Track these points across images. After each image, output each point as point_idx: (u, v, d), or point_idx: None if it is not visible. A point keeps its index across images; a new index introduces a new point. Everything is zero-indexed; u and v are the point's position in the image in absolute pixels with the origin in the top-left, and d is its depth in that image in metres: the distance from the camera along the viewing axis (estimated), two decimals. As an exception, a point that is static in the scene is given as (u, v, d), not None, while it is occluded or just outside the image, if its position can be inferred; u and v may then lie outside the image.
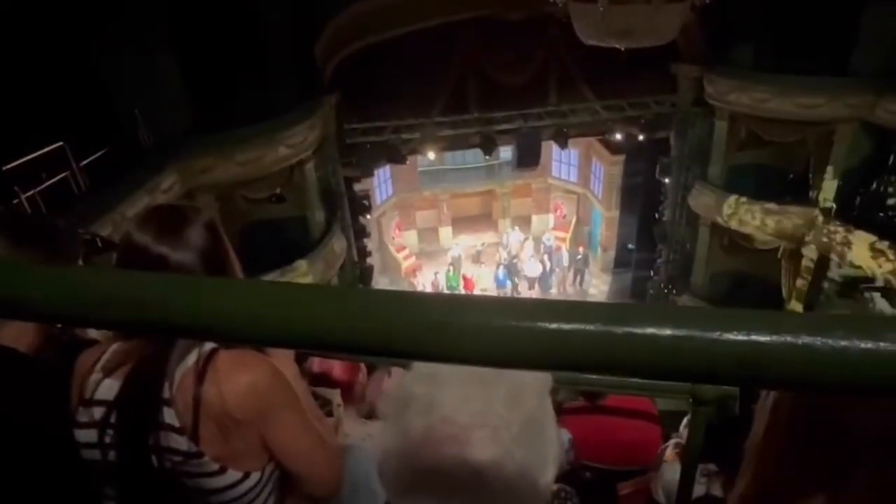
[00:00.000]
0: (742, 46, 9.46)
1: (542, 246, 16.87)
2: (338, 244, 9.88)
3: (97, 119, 6.66)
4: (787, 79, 8.88)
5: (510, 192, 18.38)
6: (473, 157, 16.66)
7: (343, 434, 1.68)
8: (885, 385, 0.35)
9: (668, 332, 0.36)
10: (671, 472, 2.21)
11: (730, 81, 9.66)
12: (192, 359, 1.12)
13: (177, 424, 1.09)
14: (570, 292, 16.19)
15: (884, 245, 8.34)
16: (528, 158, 11.88)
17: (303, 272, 8.77)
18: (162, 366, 1.11)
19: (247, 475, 1.17)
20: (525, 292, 15.69)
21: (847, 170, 9.15)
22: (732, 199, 10.32)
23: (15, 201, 5.17)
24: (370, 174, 12.21)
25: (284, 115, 8.28)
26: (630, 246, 14.94)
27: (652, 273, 13.47)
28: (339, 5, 8.88)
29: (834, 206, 9.22)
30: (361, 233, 11.77)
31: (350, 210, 11.06)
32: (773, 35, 9.01)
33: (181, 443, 1.10)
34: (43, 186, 5.56)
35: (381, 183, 16.73)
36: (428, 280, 16.16)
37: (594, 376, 2.50)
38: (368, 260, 12.32)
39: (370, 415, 1.94)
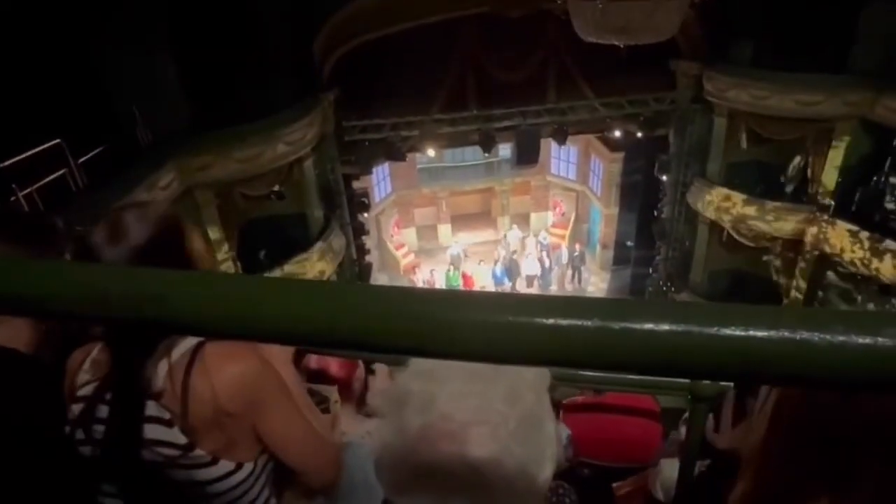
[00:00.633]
0: (741, 44, 9.46)
1: (539, 244, 16.89)
2: (336, 242, 9.88)
3: (95, 116, 6.65)
4: (786, 76, 8.88)
5: (509, 190, 18.38)
6: (472, 154, 16.65)
7: (340, 432, 1.67)
8: (882, 380, 0.35)
9: (665, 327, 0.36)
10: (670, 468, 2.21)
11: (729, 78, 9.65)
12: (179, 351, 1.12)
13: (166, 417, 1.09)
14: (569, 290, 16.20)
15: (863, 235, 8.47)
16: (528, 156, 11.88)
17: (314, 261, 8.86)
18: (148, 360, 1.10)
19: (239, 466, 1.17)
20: (524, 290, 15.71)
21: (846, 167, 9.16)
22: (726, 195, 10.36)
23: (12, 198, 5.16)
24: (369, 171, 12.20)
25: (283, 112, 8.26)
26: (629, 243, 14.94)
27: (651, 270, 13.48)
28: (338, 2, 8.86)
29: (833, 203, 9.23)
30: (360, 230, 11.76)
31: (349, 207, 11.05)
32: (773, 32, 9.00)
33: (172, 435, 1.10)
34: (41, 184, 5.55)
35: (380, 180, 16.72)
36: (425, 277, 16.16)
37: (592, 373, 2.50)
38: (367, 257, 12.32)
39: (368, 412, 1.95)
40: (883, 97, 8.40)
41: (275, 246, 8.91)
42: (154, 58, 7.23)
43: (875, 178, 8.80)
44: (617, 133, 12.33)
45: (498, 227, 18.51)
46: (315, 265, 9.11)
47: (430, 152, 12.24)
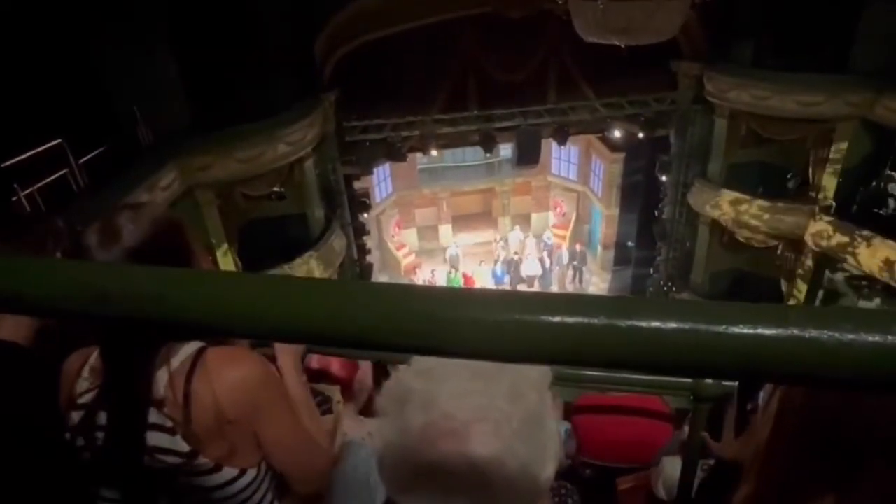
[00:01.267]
0: (742, 44, 9.46)
1: (542, 244, 16.88)
2: (337, 242, 9.89)
3: (96, 116, 6.66)
4: (787, 76, 8.88)
5: (510, 190, 18.37)
6: (473, 154, 16.66)
7: (342, 432, 1.67)
8: (891, 379, 0.34)
9: (673, 325, 0.35)
10: (672, 467, 2.21)
11: (730, 79, 9.65)
12: (180, 357, 1.11)
13: (168, 425, 1.08)
14: (570, 290, 16.19)
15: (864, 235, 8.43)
16: (528, 156, 11.88)
17: (314, 262, 8.89)
18: (148, 366, 1.09)
19: (243, 472, 1.16)
20: (524, 290, 15.71)
21: (847, 167, 9.16)
22: (727, 196, 10.34)
23: (14, 198, 5.17)
24: (370, 172, 12.20)
25: (284, 112, 8.27)
26: (630, 244, 14.94)
27: (652, 271, 13.47)
28: (339, 3, 8.87)
29: (834, 203, 9.23)
30: (361, 230, 11.76)
31: (350, 208, 11.06)
32: (774, 33, 9.01)
33: (174, 443, 1.09)
34: (42, 184, 5.55)
35: (381, 181, 16.72)
36: (426, 278, 16.18)
37: (594, 373, 2.50)
38: (368, 258, 12.33)
39: (369, 411, 1.94)
40: (883, 97, 8.40)
41: (276, 246, 8.92)
42: (155, 58, 7.24)
43: (876, 179, 8.80)
44: (618, 133, 12.32)
45: (499, 228, 18.51)
46: (316, 265, 9.11)
47: (434, 152, 12.23)
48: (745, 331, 0.35)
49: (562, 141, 11.97)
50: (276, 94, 8.16)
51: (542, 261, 16.13)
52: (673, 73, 10.94)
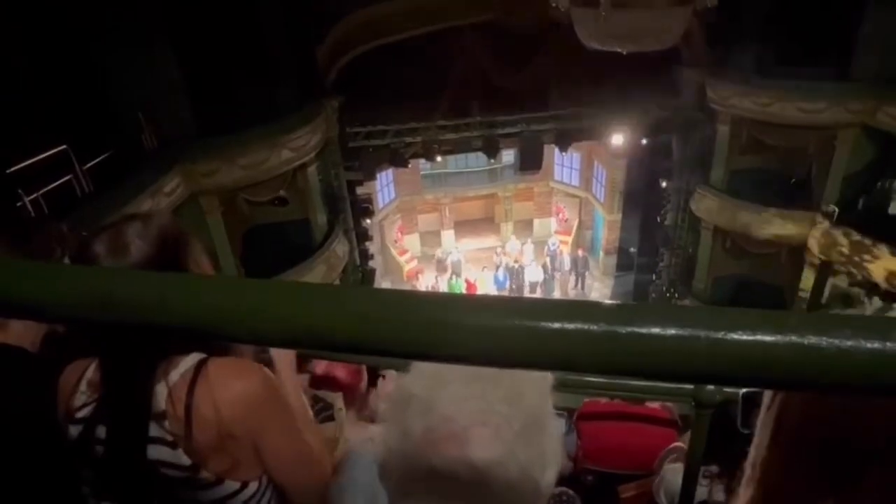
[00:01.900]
0: (744, 51, 9.47)
1: (546, 248, 16.89)
2: (340, 247, 9.89)
3: (101, 122, 6.69)
4: (789, 84, 8.89)
5: (512, 196, 18.38)
6: (475, 160, 16.68)
7: (344, 438, 1.67)
8: (891, 386, 0.34)
9: (672, 331, 0.36)
10: (673, 474, 2.20)
11: (732, 86, 9.66)
12: (181, 369, 1.10)
13: (169, 438, 1.07)
14: (572, 296, 16.17)
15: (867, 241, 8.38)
16: (531, 162, 11.90)
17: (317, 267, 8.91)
18: (149, 379, 1.08)
19: (244, 485, 1.15)
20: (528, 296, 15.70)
21: (849, 174, 9.15)
22: (729, 202, 10.31)
23: (19, 204, 5.19)
24: (372, 177, 12.23)
25: (287, 118, 8.30)
26: (632, 249, 14.92)
27: (654, 277, 13.45)
28: (343, 10, 8.92)
29: (836, 210, 9.22)
30: (364, 236, 11.78)
31: (352, 213, 11.07)
32: (775, 40, 9.03)
33: (175, 456, 1.08)
34: (46, 189, 5.58)
35: (384, 186, 16.74)
36: (429, 283, 16.17)
37: (595, 378, 2.49)
38: (371, 263, 12.33)
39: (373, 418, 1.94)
40: (885, 104, 8.40)
41: (279, 252, 8.93)
42: (159, 63, 7.28)
43: (878, 185, 8.79)
44: (620, 140, 12.34)
45: (501, 233, 18.52)
46: (319, 271, 9.12)
47: (438, 158, 12.24)
48: (745, 337, 0.35)
49: (564, 147, 11.98)
50: (279, 99, 8.20)
51: (544, 267, 16.12)
52: (675, 80, 10.96)
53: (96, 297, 0.47)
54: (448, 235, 18.50)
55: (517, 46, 10.34)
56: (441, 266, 16.25)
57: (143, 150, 7.14)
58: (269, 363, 1.33)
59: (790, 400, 0.64)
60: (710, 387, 1.77)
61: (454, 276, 15.84)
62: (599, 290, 16.40)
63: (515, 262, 16.28)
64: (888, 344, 0.33)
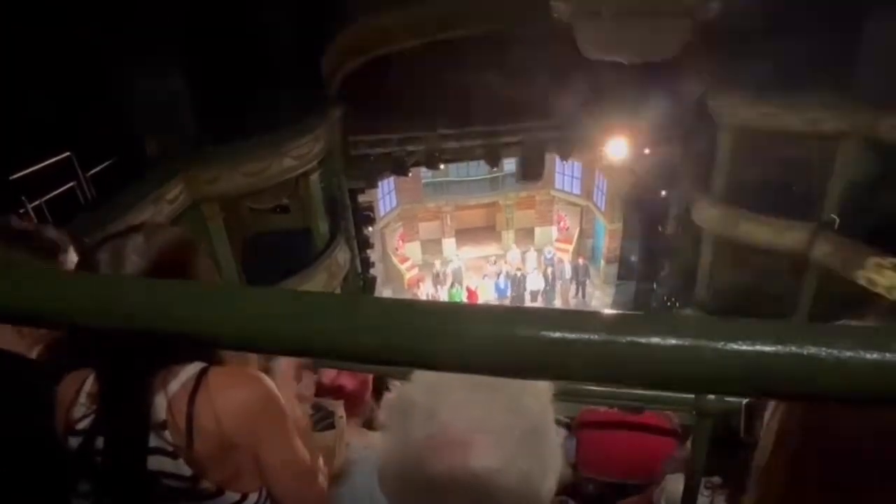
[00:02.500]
0: (746, 62, 9.50)
1: (542, 258, 16.90)
2: (341, 255, 9.90)
3: (104, 129, 6.73)
4: (790, 94, 8.91)
5: (513, 204, 18.42)
6: (477, 168, 16.72)
7: (344, 445, 1.66)
8: (891, 396, 0.34)
9: (672, 341, 0.36)
10: (674, 484, 2.19)
11: (734, 96, 9.69)
12: (181, 379, 1.09)
13: (169, 449, 1.07)
14: (573, 304, 16.17)
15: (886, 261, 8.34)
16: (532, 170, 11.94)
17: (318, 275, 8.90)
18: (148, 389, 1.08)
19: (245, 496, 1.15)
20: (528, 304, 15.69)
21: (850, 184, 9.15)
22: (731, 211, 10.30)
23: (22, 210, 5.21)
24: (374, 185, 12.27)
25: (290, 126, 8.34)
26: (633, 258, 14.92)
27: (655, 285, 13.44)
28: (347, 20, 8.98)
29: (837, 220, 9.21)
30: (365, 244, 11.80)
31: (354, 221, 11.10)
32: (777, 51, 9.05)
33: (176, 466, 1.07)
34: (50, 196, 5.60)
35: (385, 194, 16.79)
36: (429, 291, 16.18)
37: (595, 387, 2.48)
38: (372, 271, 12.36)
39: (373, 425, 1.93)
40: (887, 116, 8.42)
41: (280, 259, 8.94)
42: (163, 72, 7.32)
43: (879, 195, 8.79)
44: (621, 149, 12.37)
45: (502, 242, 18.53)
46: (320, 278, 9.12)
47: (440, 166, 12.29)
48: (744, 347, 0.35)
49: (565, 156, 12.02)
50: (282, 108, 8.24)
51: (545, 275, 16.13)
52: (676, 90, 10.99)
53: (96, 304, 0.47)
54: (449, 243, 18.52)
55: (519, 56, 10.38)
56: (438, 279, 16.23)
57: (146, 158, 7.17)
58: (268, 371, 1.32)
59: (793, 409, 0.64)
60: (712, 396, 1.77)
61: (456, 285, 15.84)
62: (600, 298, 16.38)
63: (518, 270, 16.29)
64: (887, 355, 0.33)
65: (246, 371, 1.16)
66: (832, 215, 9.30)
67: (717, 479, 2.08)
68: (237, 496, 1.14)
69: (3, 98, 5.58)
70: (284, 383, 1.35)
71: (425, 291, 16.28)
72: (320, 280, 9.19)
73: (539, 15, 8.71)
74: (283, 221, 9.16)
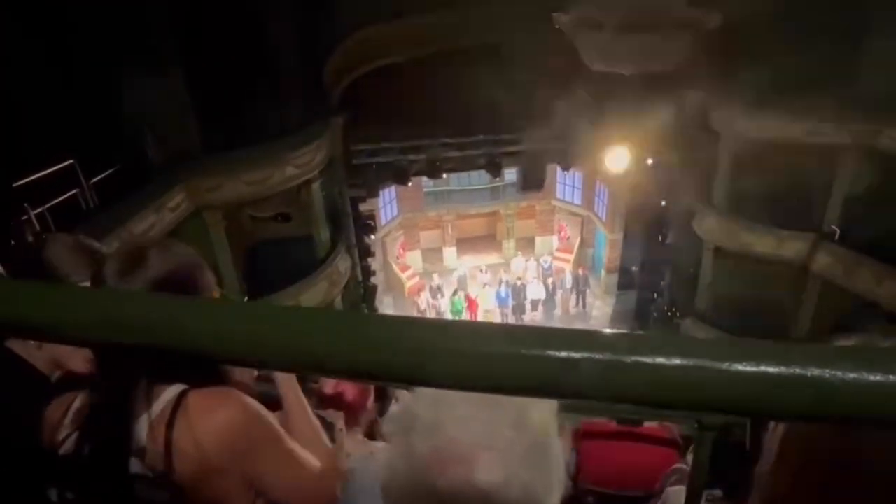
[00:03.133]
0: (747, 72, 9.54)
1: (540, 269, 16.90)
2: (343, 263, 9.91)
3: (107, 137, 6.75)
4: (792, 105, 8.93)
5: (514, 214, 18.43)
6: (478, 178, 16.75)
7: (345, 454, 1.65)
8: (893, 419, 0.35)
9: (676, 361, 0.36)
10: (675, 497, 2.18)
11: (735, 107, 9.72)
12: (161, 403, 1.08)
13: (150, 475, 1.05)
14: (573, 314, 16.14)
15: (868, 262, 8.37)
16: (533, 180, 11.96)
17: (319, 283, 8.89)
18: (128, 416, 1.06)
19: None
20: (529, 313, 15.67)
21: (851, 195, 9.16)
22: (731, 222, 10.29)
23: (24, 217, 5.22)
24: (376, 194, 12.30)
25: (292, 135, 8.37)
26: (633, 268, 14.90)
27: (655, 296, 13.41)
28: (349, 29, 9.03)
29: (838, 231, 9.21)
30: (366, 252, 11.81)
31: (355, 230, 11.11)
32: (778, 62, 9.09)
33: (157, 493, 1.06)
34: (52, 203, 5.61)
35: (387, 203, 16.82)
36: (428, 300, 16.16)
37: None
38: (373, 279, 12.35)
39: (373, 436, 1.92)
40: (888, 127, 8.44)
41: (282, 267, 8.94)
42: (166, 80, 7.36)
43: (879, 206, 8.79)
44: (623, 159, 12.38)
45: (503, 251, 18.52)
46: (321, 287, 9.12)
47: (443, 175, 12.31)
48: (749, 368, 0.35)
49: (566, 165, 12.04)
50: (285, 117, 8.28)
51: (546, 285, 16.11)
52: (678, 101, 11.02)
53: (99, 319, 0.47)
54: (450, 252, 18.52)
55: (521, 66, 10.43)
56: (434, 292, 16.20)
57: (148, 165, 7.19)
58: (269, 382, 1.31)
59: (794, 429, 0.64)
60: (714, 409, 1.76)
61: (459, 292, 15.82)
62: (601, 308, 16.36)
63: (519, 279, 16.29)
64: (890, 377, 0.34)
65: (224, 390, 1.12)
66: (832, 226, 9.30)
67: (718, 493, 2.07)
68: None
69: (6, 105, 5.62)
70: (292, 394, 1.34)
71: (425, 300, 16.27)
72: (321, 288, 9.19)
73: (541, 26, 8.77)
74: (285, 230, 9.16)
